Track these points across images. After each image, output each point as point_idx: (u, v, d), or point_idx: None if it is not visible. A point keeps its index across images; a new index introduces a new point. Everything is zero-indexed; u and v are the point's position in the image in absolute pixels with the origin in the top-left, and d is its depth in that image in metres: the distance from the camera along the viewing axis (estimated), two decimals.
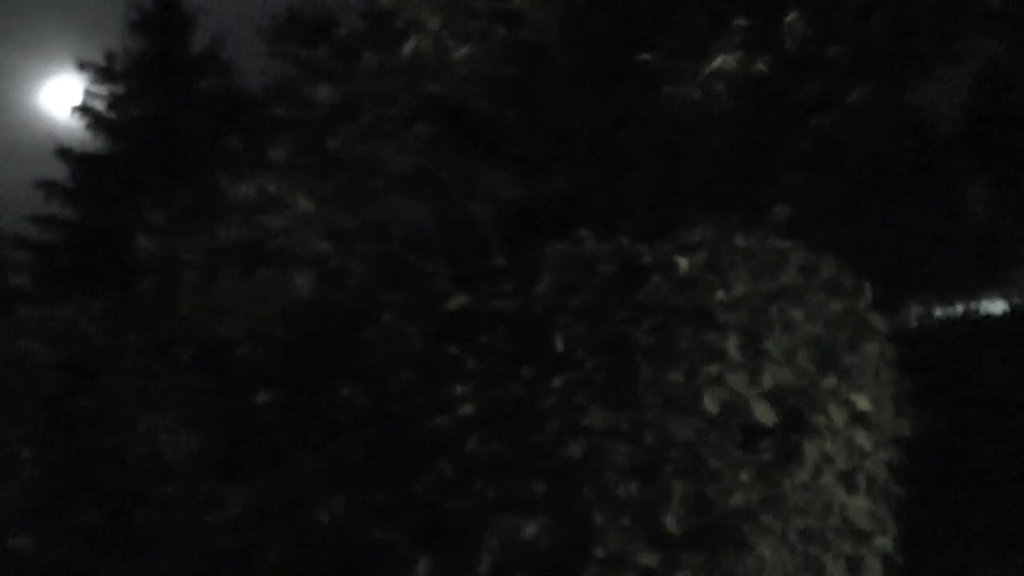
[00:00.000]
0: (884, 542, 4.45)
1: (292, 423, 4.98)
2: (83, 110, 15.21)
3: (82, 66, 15.14)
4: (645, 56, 5.80)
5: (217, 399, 5.73)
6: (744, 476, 4.01)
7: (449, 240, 5.52)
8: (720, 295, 4.14)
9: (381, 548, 4.12)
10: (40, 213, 15.03)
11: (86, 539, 6.28)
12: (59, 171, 15.14)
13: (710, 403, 3.98)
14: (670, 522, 3.88)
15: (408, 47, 5.92)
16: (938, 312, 7.31)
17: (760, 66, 5.72)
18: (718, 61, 5.72)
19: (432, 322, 4.14)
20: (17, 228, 15.12)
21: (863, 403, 4.38)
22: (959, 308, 7.24)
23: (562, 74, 6.02)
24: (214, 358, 5.89)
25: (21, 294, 13.62)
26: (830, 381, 4.31)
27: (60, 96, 16.76)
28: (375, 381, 4.30)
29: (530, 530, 3.84)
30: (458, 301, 4.04)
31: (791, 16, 5.88)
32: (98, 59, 15.22)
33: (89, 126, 15.19)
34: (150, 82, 14.94)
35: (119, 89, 15.20)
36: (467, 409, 3.93)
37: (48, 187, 14.96)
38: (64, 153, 15.06)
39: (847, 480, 4.34)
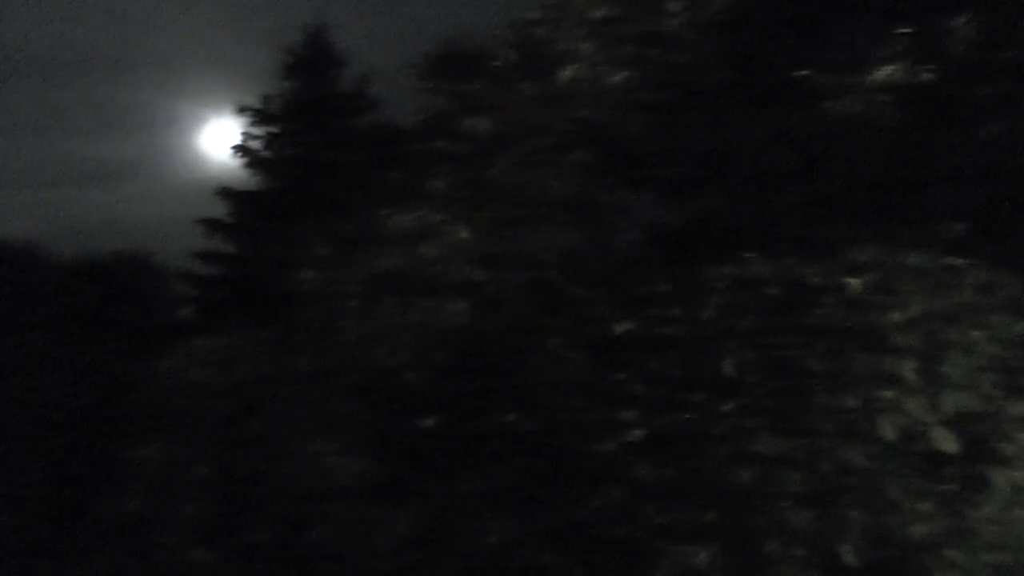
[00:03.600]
0: None
1: (456, 447, 5.09)
2: (241, 150, 16.06)
3: (240, 110, 16.03)
4: (803, 71, 5.68)
5: (381, 424, 5.92)
6: (926, 506, 3.85)
7: (604, 266, 5.53)
8: (894, 317, 4.01)
9: (548, 572, 4.14)
10: (203, 249, 15.93)
11: (259, 556, 6.61)
12: (220, 208, 16.07)
13: (887, 430, 3.86)
14: (848, 553, 3.76)
15: (564, 75, 5.99)
16: None
17: (927, 75, 5.49)
18: (883, 72, 5.53)
19: (597, 348, 4.16)
20: (183, 263, 16.14)
21: None
22: None
23: (715, 94, 5.97)
24: (377, 384, 6.11)
25: (189, 326, 14.42)
26: (1018, 407, 4.08)
27: (220, 139, 17.84)
28: (539, 406, 4.35)
29: (701, 558, 3.79)
30: (624, 326, 4.05)
31: (960, 20, 5.61)
32: (254, 102, 16.10)
33: (247, 165, 16.03)
34: (303, 121, 15.69)
35: (274, 129, 16.00)
36: (635, 435, 3.92)
37: (210, 224, 15.85)
38: (224, 191, 15.94)
39: None
